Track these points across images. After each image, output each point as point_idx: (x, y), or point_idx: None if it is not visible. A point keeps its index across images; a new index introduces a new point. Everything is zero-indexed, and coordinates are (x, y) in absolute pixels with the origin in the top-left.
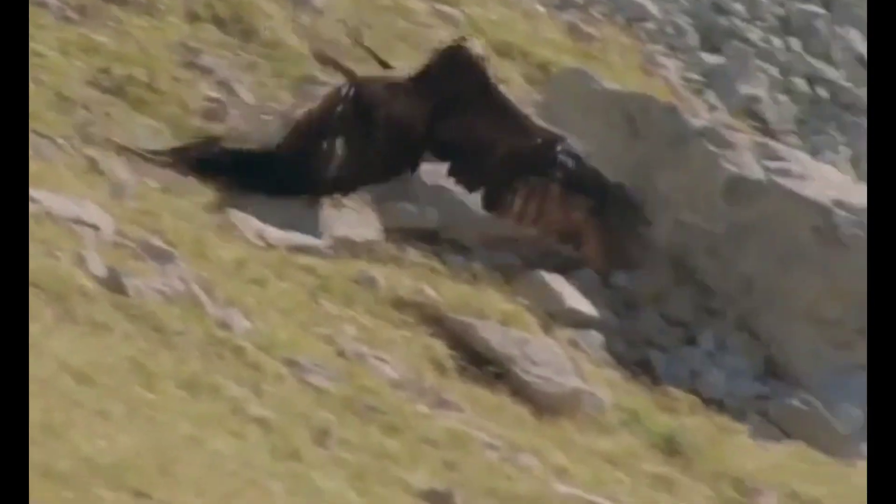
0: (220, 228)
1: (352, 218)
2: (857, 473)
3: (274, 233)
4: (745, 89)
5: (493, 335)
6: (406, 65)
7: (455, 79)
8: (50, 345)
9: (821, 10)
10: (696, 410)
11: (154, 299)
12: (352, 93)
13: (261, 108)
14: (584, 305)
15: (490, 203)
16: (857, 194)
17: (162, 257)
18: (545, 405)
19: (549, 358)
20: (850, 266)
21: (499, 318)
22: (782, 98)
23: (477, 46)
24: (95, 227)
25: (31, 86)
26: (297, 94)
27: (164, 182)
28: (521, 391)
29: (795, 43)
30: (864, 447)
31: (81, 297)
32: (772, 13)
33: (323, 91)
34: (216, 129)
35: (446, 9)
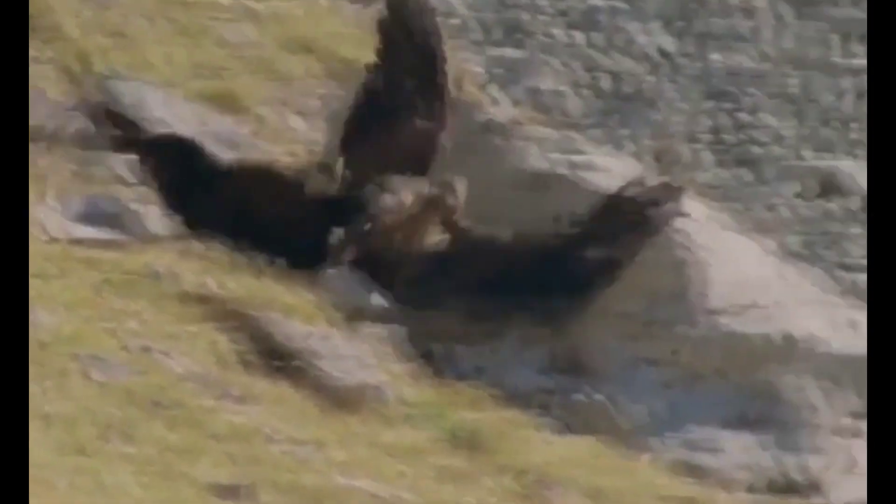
0: None
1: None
2: (642, 467)
3: (55, 225)
4: (540, 82)
5: (280, 329)
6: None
7: None
8: None
9: (622, 5)
10: (482, 404)
11: None
12: None
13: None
14: (373, 299)
15: None
16: None
17: None
18: (332, 398)
19: (349, 352)
20: (645, 259)
21: (286, 311)
22: (585, 92)
23: None
24: None
25: None
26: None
27: None
28: (321, 385)
29: (598, 37)
30: (651, 440)
31: None
32: (571, 7)
33: None
34: None
35: (250, 3)
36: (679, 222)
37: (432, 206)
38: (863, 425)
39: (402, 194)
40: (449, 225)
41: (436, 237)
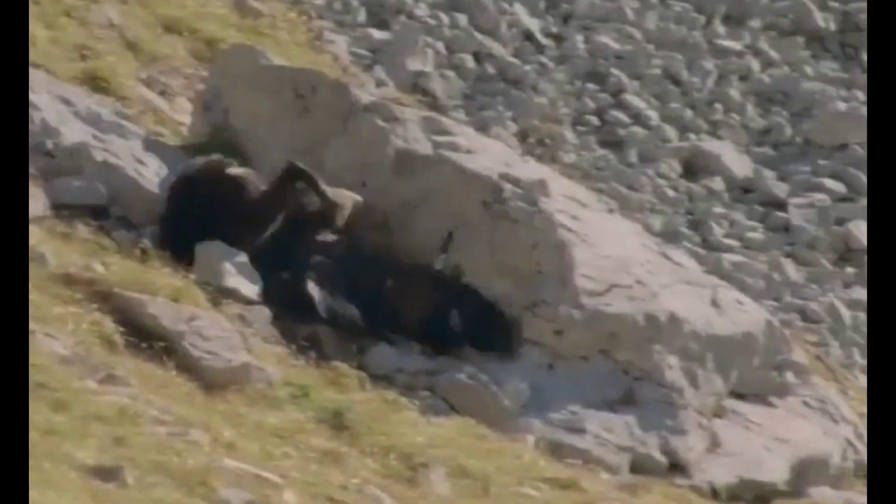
0: None
1: None
2: (521, 448)
3: None
4: (413, 65)
5: (162, 311)
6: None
7: None
8: None
9: None
10: (364, 386)
11: None
12: None
13: None
14: (254, 280)
15: None
16: (524, 169)
17: None
18: (214, 380)
19: (217, 333)
20: (518, 240)
21: (168, 294)
22: (450, 73)
23: None
24: None
25: None
26: None
27: None
28: (190, 367)
29: (462, 19)
30: (530, 421)
31: None
32: None
33: None
34: None
35: None
36: (550, 203)
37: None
38: (727, 404)
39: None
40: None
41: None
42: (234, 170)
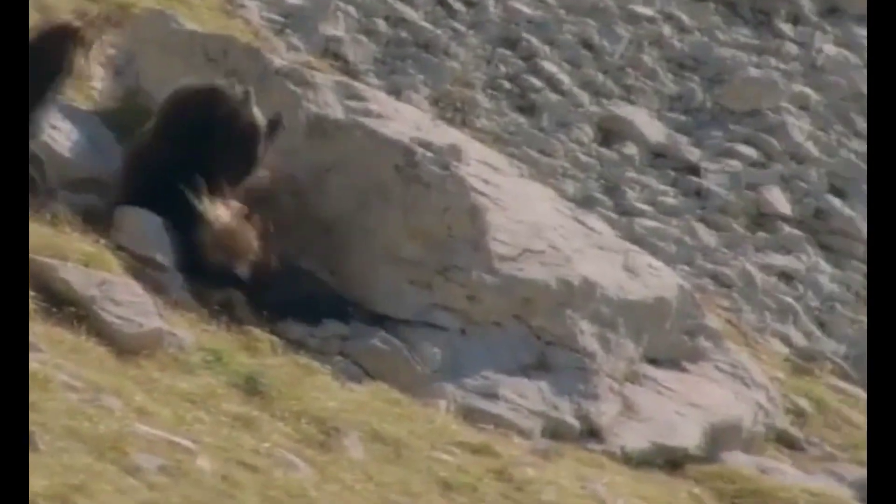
0: None
1: None
2: (434, 413)
3: None
4: (326, 29)
5: (73, 276)
6: None
7: None
8: None
9: None
10: (277, 351)
11: None
12: None
13: None
14: (168, 245)
15: None
16: (437, 133)
17: None
18: (126, 346)
19: (130, 298)
20: (431, 205)
21: (80, 259)
22: (362, 38)
23: None
24: None
25: None
26: None
27: None
28: (102, 332)
29: None
30: (443, 386)
31: None
32: None
33: None
34: None
35: None
36: (463, 168)
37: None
38: (640, 369)
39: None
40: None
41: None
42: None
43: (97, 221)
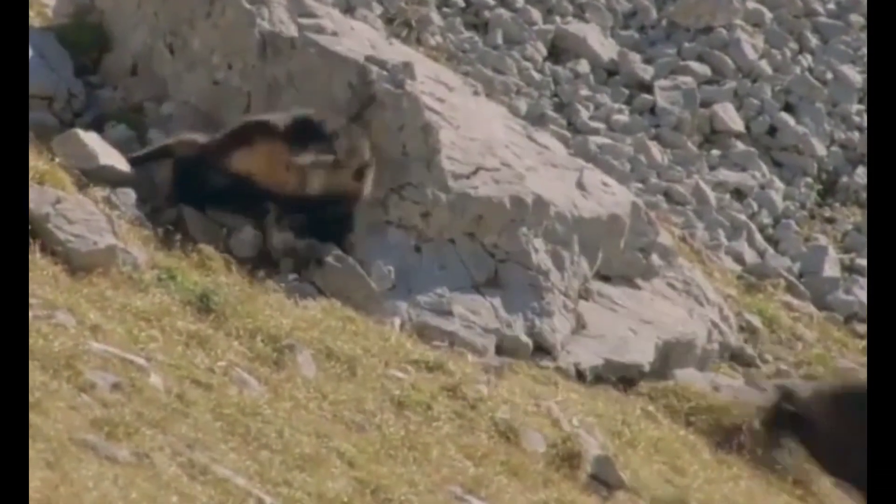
0: None
1: None
2: (388, 330)
3: None
4: None
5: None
6: None
7: None
8: None
9: None
10: (230, 269)
11: None
12: None
13: None
14: (119, 163)
15: None
16: (390, 51)
17: None
18: (79, 263)
19: (83, 216)
20: (384, 123)
21: (33, 176)
22: None
23: None
24: None
25: None
26: None
27: None
28: (56, 250)
29: None
30: (397, 304)
31: None
32: None
33: None
34: None
35: None
36: (416, 86)
37: None
38: (593, 286)
39: None
40: None
41: None
42: None
43: (50, 139)
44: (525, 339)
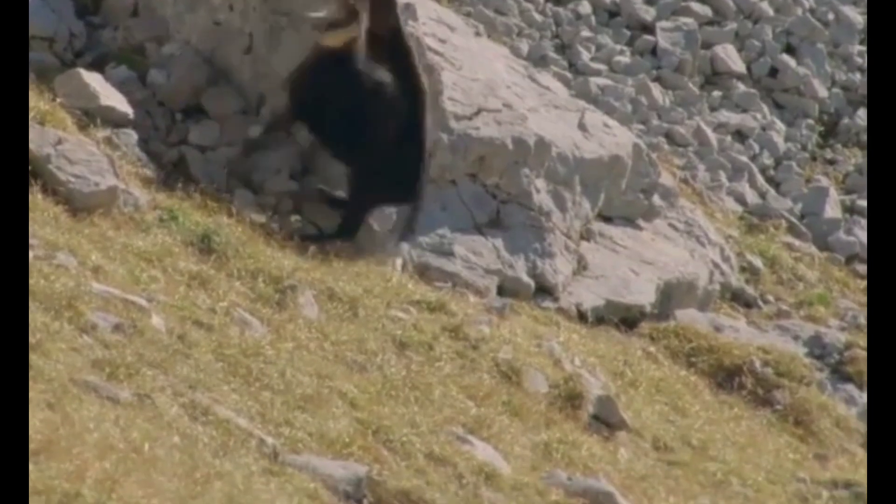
0: None
1: None
2: (390, 271)
3: None
4: None
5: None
6: None
7: None
8: None
9: None
10: (232, 209)
11: None
12: None
13: None
14: (120, 104)
15: None
16: None
17: None
18: (81, 204)
19: (84, 157)
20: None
21: (34, 117)
22: None
23: None
24: None
25: None
26: None
27: None
28: (57, 190)
29: None
30: (399, 245)
31: None
32: None
33: None
34: None
35: None
36: (417, 27)
37: None
38: (595, 227)
39: None
40: None
41: None
42: None
43: (51, 80)
44: (527, 279)
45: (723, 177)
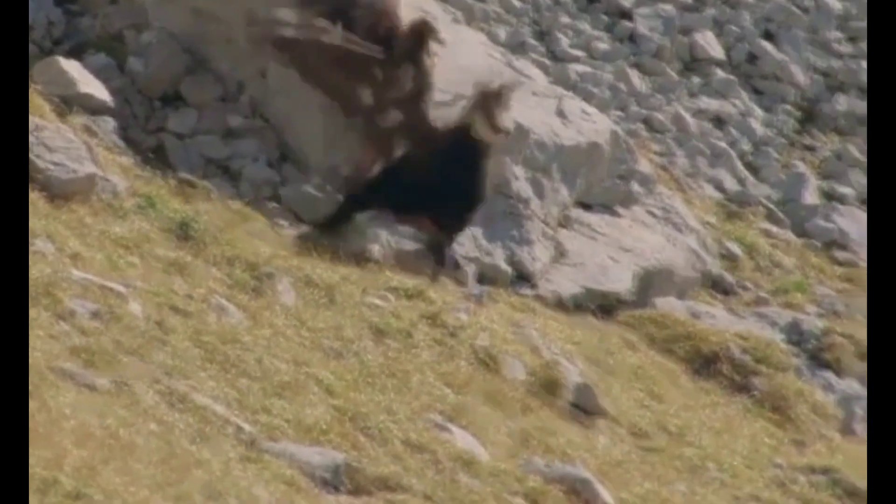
0: None
1: None
2: (368, 259)
3: None
4: None
5: None
6: None
7: None
8: None
9: None
10: (210, 196)
11: None
12: None
13: None
14: (99, 91)
15: None
16: None
17: None
18: (59, 191)
19: (63, 144)
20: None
21: None
22: None
23: None
24: None
25: None
26: None
27: None
28: (36, 178)
29: None
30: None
31: None
32: None
33: None
34: None
35: None
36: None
37: None
38: (573, 214)
39: None
40: None
41: None
42: None
43: (31, 66)
44: (505, 266)
45: (701, 163)
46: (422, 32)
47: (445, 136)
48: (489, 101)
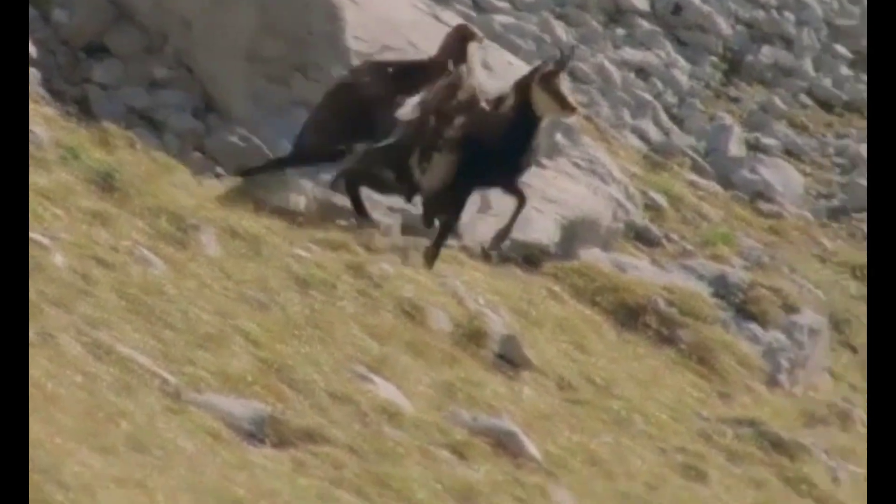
0: None
1: None
2: (293, 210)
3: None
4: None
5: None
6: None
7: None
8: None
9: None
10: (134, 147)
11: None
12: None
13: None
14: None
15: None
16: None
17: None
18: None
19: None
20: (288, 2)
21: None
22: None
23: None
24: None
25: None
26: None
27: None
28: None
29: None
30: (301, 182)
31: None
32: None
33: None
34: None
35: None
36: None
37: None
38: None
39: None
40: None
41: None
42: None
43: None
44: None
45: (626, 114)
46: (464, 37)
47: (505, 118)
48: (551, 81)
